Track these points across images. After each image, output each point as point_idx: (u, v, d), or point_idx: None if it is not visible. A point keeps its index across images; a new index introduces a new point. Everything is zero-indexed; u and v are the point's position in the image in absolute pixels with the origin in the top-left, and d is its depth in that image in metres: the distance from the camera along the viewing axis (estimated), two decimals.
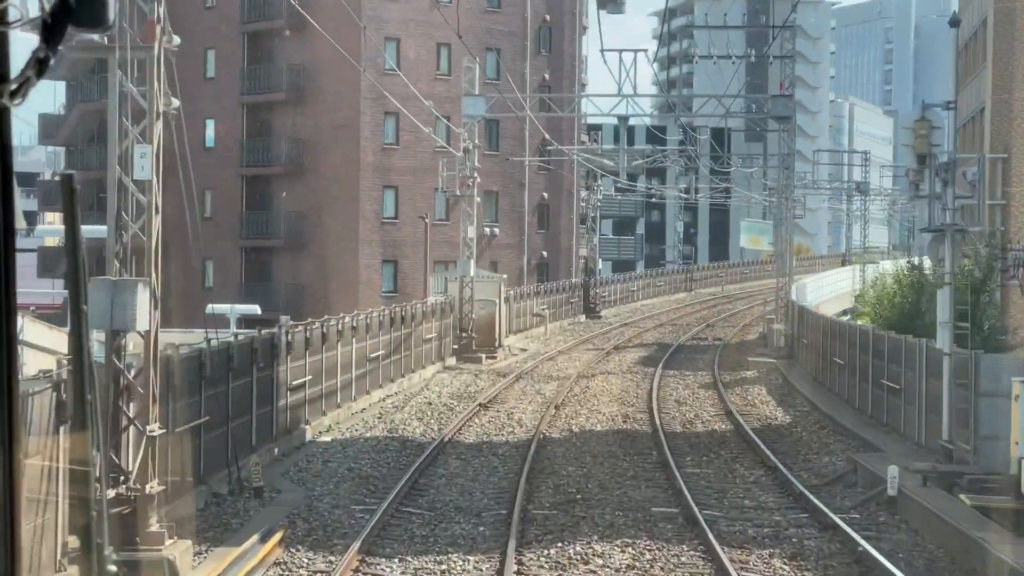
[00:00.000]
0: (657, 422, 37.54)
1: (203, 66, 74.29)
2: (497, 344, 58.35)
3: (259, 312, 51.60)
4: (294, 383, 32.06)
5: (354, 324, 38.63)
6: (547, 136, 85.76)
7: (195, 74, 74.02)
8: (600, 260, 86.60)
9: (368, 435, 34.56)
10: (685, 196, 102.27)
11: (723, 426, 38.08)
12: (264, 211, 73.64)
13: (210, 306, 50.84)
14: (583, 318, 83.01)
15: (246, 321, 62.98)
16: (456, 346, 55.58)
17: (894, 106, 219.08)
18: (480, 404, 41.35)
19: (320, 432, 34.21)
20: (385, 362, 43.08)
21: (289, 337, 31.19)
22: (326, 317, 37.31)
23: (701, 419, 39.48)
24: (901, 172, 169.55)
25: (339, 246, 71.67)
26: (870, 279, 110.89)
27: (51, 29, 2.35)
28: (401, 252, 72.79)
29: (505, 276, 66.64)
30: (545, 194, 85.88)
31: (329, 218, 71.98)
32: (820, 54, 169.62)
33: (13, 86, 2.34)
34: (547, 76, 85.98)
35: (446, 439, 34.09)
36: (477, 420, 38.31)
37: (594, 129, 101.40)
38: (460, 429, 36.32)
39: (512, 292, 66.89)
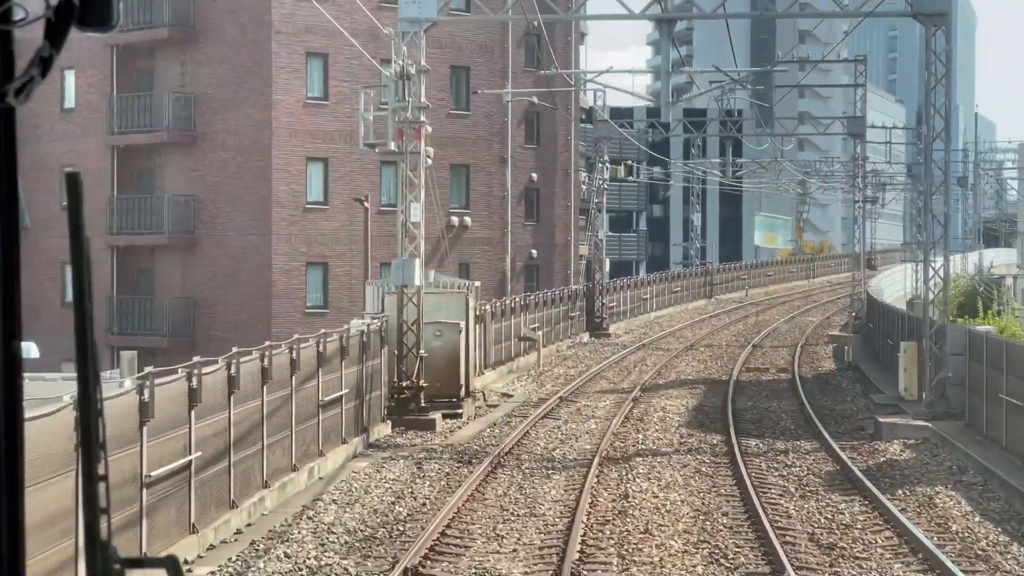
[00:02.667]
0: None
1: None
2: (463, 392, 34.79)
3: (35, 354, 28.40)
4: None
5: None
6: (535, 100, 62.53)
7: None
8: (607, 260, 63.19)
9: None
10: (720, 178, 79.01)
11: None
12: (142, 195, 49.97)
13: None
14: (587, 337, 59.51)
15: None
16: (392, 402, 32.00)
17: (899, 95, 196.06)
18: (407, 571, 17.87)
19: None
20: (215, 469, 19.53)
21: None
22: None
23: None
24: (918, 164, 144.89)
25: (245, 243, 48.14)
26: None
27: (55, 28, 2.24)
28: (333, 251, 49.17)
29: (479, 284, 43.20)
30: (534, 175, 62.43)
31: (230, 204, 48.48)
32: (833, 34, 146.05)
33: (17, 85, 2.24)
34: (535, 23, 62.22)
35: None
36: None
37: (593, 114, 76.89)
38: None
39: (490, 307, 43.44)
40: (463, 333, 34.49)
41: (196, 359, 19.46)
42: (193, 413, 18.29)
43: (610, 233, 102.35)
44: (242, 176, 48.14)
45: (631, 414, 35.28)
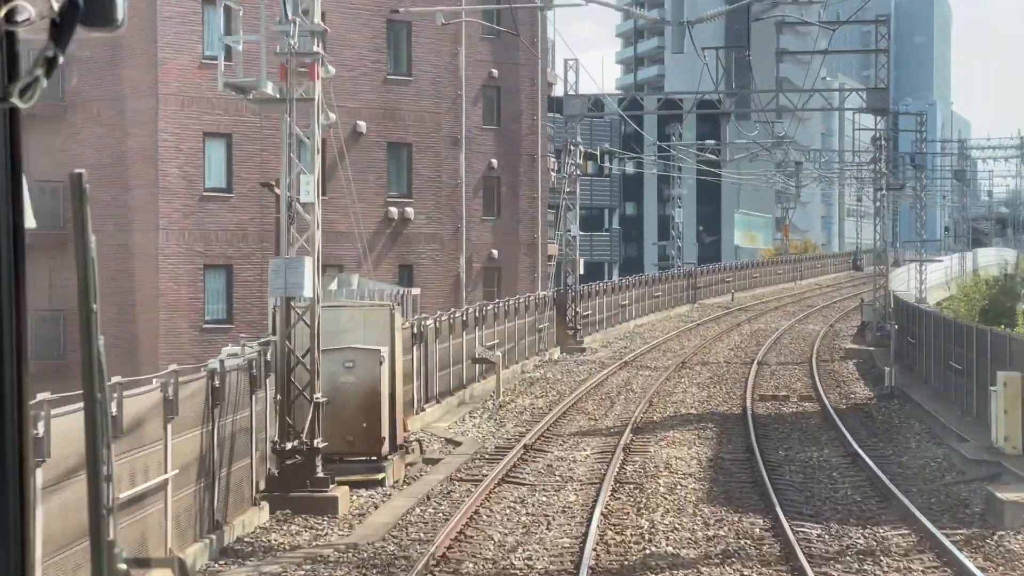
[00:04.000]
0: None
1: None
2: (386, 446, 23.93)
3: None
4: None
5: None
6: (495, 73, 52.28)
7: None
8: (581, 260, 52.48)
9: None
10: (714, 157, 68.72)
11: None
12: None
13: None
14: (558, 352, 48.85)
15: None
16: (277, 469, 21.10)
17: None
18: None
19: None
20: None
21: None
22: None
23: None
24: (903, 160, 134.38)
25: (126, 241, 37.27)
26: (935, 281, 77.79)
27: (60, 28, 2.23)
28: (239, 250, 38.33)
29: (417, 291, 32.57)
30: (494, 160, 51.81)
31: (108, 192, 37.57)
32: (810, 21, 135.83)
33: (22, 85, 2.23)
34: None
35: None
36: None
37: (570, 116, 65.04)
38: None
39: (434, 321, 32.62)
40: (385, 363, 23.68)
41: None
42: None
43: (580, 233, 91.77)
44: (122, 156, 37.28)
45: (624, 474, 24.62)
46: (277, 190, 35.58)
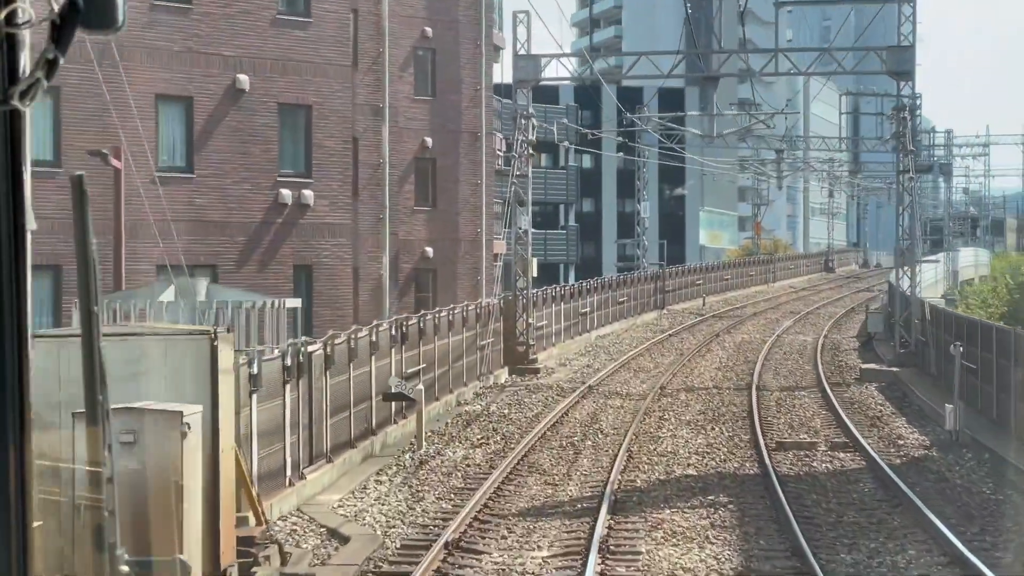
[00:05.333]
0: None
1: None
2: (200, 571, 13.50)
3: None
4: None
5: None
6: (429, 32, 42.66)
7: None
8: (534, 261, 42.28)
9: None
10: (676, 155, 59.40)
11: None
12: None
13: None
14: (505, 374, 38.64)
15: None
16: None
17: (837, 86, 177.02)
18: None
19: None
20: None
21: None
22: None
23: None
24: (869, 150, 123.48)
25: None
26: (927, 281, 68.39)
27: (60, 30, 2.19)
28: (70, 246, 27.69)
29: (296, 303, 22.24)
30: (428, 139, 41.72)
31: None
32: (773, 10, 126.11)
33: (23, 87, 2.19)
34: None
35: None
36: None
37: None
38: None
39: (324, 346, 22.23)
40: (196, 432, 13.36)
41: None
42: None
43: (533, 230, 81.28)
44: None
45: None
46: (114, 161, 25.57)
